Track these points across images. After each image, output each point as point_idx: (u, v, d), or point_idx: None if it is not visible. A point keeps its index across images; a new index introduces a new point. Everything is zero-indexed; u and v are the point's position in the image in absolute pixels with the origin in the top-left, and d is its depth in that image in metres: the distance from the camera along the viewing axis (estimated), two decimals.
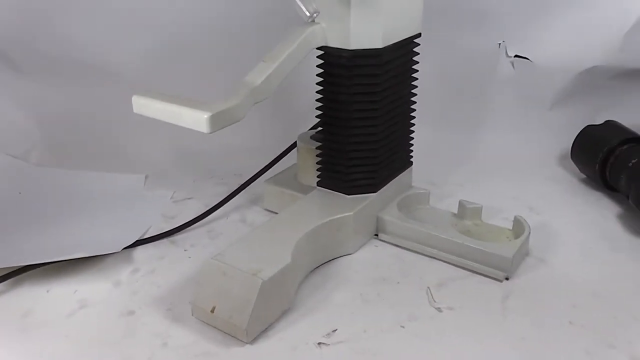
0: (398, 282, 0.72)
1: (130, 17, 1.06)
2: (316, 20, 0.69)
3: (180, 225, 0.83)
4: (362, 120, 0.75)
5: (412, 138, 0.86)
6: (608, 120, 1.01)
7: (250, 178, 0.90)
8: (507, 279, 0.72)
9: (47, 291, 0.71)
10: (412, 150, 0.87)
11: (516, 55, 1.11)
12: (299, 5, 0.62)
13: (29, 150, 1.08)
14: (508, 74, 1.12)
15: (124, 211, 0.88)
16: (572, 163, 1.01)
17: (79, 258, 0.74)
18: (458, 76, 1.13)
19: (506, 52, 1.11)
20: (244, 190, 0.89)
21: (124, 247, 0.78)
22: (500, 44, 1.11)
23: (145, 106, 0.62)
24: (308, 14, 0.63)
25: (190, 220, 0.84)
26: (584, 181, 0.99)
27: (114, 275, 0.74)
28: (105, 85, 1.08)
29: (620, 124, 0.98)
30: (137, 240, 0.80)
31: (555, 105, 1.14)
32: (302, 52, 0.69)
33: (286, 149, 0.92)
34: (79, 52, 1.07)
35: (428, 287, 0.71)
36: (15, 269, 0.72)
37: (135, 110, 0.63)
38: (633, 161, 0.88)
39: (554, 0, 1.08)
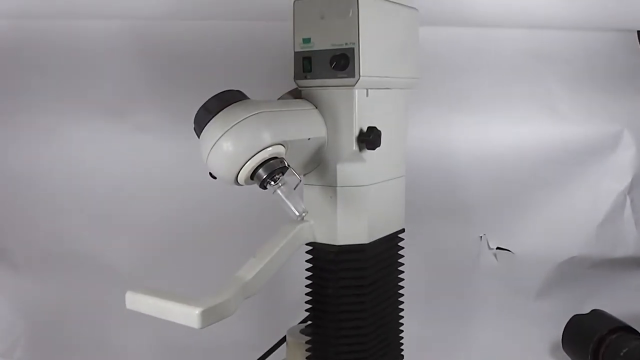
0: None
1: (124, 213, 1.10)
2: (305, 219, 0.72)
3: None
4: (349, 313, 0.75)
5: (402, 331, 0.85)
6: (594, 310, 1.01)
7: None
8: None
9: None
10: (402, 344, 0.86)
11: (498, 247, 1.16)
12: (288, 205, 0.66)
13: (12, 345, 1.05)
14: (491, 265, 1.16)
15: None
16: (565, 353, 1.00)
17: None
18: (443, 268, 1.16)
19: (488, 244, 1.16)
20: None
21: None
22: (482, 236, 1.16)
23: (138, 302, 0.62)
24: (297, 213, 0.66)
25: None
26: None
27: None
28: (95, 278, 1.09)
29: (607, 312, 0.99)
30: None
31: (540, 295, 1.15)
32: (292, 248, 0.71)
33: (275, 344, 0.90)
34: (71, 245, 1.10)
35: None
36: None
37: (128, 306, 0.63)
38: (624, 350, 0.87)
39: (530, 196, 1.16)
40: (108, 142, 1.09)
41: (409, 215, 0.83)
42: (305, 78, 0.73)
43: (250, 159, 0.62)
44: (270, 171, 0.64)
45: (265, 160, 0.63)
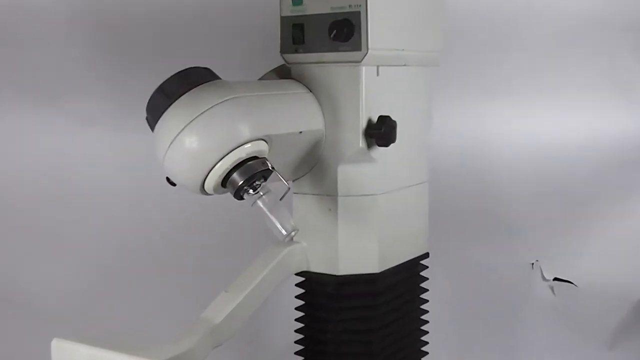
0: None
1: (57, 230, 1.10)
2: (295, 239, 0.71)
3: None
4: None
5: None
6: None
7: None
8: None
9: None
10: None
11: (556, 278, 1.15)
12: (272, 222, 0.64)
13: None
14: (547, 301, 1.15)
15: None
16: None
17: None
18: (482, 306, 1.15)
19: (542, 274, 1.15)
20: None
21: None
22: (533, 263, 1.15)
23: (67, 353, 0.61)
24: (284, 232, 0.64)
25: None
26: None
27: None
28: (18, 321, 1.08)
29: None
30: None
31: (615, 343, 1.14)
32: (276, 279, 0.71)
33: None
34: None
35: None
36: None
37: (53, 358, 0.62)
38: None
39: (596, 209, 1.16)
40: (39, 137, 1.09)
41: (434, 234, 0.83)
42: (296, 52, 0.73)
43: (221, 159, 0.62)
44: (249, 176, 0.63)
45: (242, 161, 0.63)
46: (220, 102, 0.62)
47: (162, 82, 0.64)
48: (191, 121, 0.61)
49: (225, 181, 0.63)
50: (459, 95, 1.12)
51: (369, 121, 0.71)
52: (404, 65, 0.76)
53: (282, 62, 0.75)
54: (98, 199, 1.11)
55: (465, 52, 1.10)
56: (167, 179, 0.65)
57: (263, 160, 0.64)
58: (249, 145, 0.63)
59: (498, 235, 1.15)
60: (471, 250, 1.14)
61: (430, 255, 0.82)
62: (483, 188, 1.14)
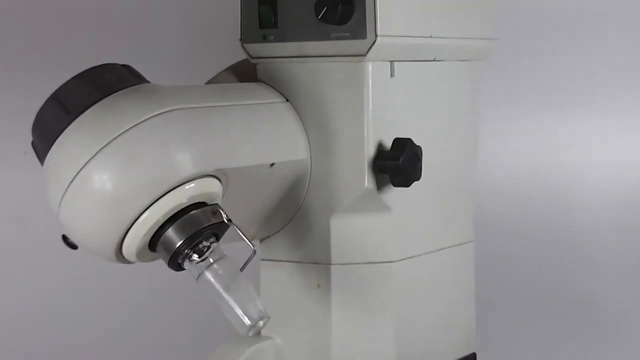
0: None
1: None
2: (264, 332, 0.69)
3: None
4: None
5: None
6: None
7: None
8: None
9: None
10: None
11: None
12: (229, 305, 0.61)
13: None
14: None
15: None
16: None
17: None
18: None
19: None
20: None
21: None
22: None
23: None
24: (248, 321, 0.61)
25: None
26: None
27: None
28: None
29: None
30: None
31: None
32: None
33: None
34: None
35: None
36: None
37: None
38: None
39: None
40: None
41: (484, 325, 0.80)
42: (265, 40, 0.71)
43: (149, 207, 0.59)
44: (193, 233, 0.61)
45: (182, 210, 0.61)
46: (148, 118, 0.60)
47: (57, 87, 0.60)
48: (102, 148, 0.59)
49: (154, 241, 0.60)
50: (518, 104, 1.13)
51: (380, 147, 0.69)
52: (434, 60, 0.73)
53: (243, 55, 0.72)
54: None
55: (526, 38, 1.12)
56: (64, 237, 0.61)
57: (214, 209, 0.62)
58: (192, 184, 0.61)
59: (581, 327, 1.13)
60: (539, 350, 1.12)
61: (478, 357, 0.80)
62: (559, 252, 1.13)
